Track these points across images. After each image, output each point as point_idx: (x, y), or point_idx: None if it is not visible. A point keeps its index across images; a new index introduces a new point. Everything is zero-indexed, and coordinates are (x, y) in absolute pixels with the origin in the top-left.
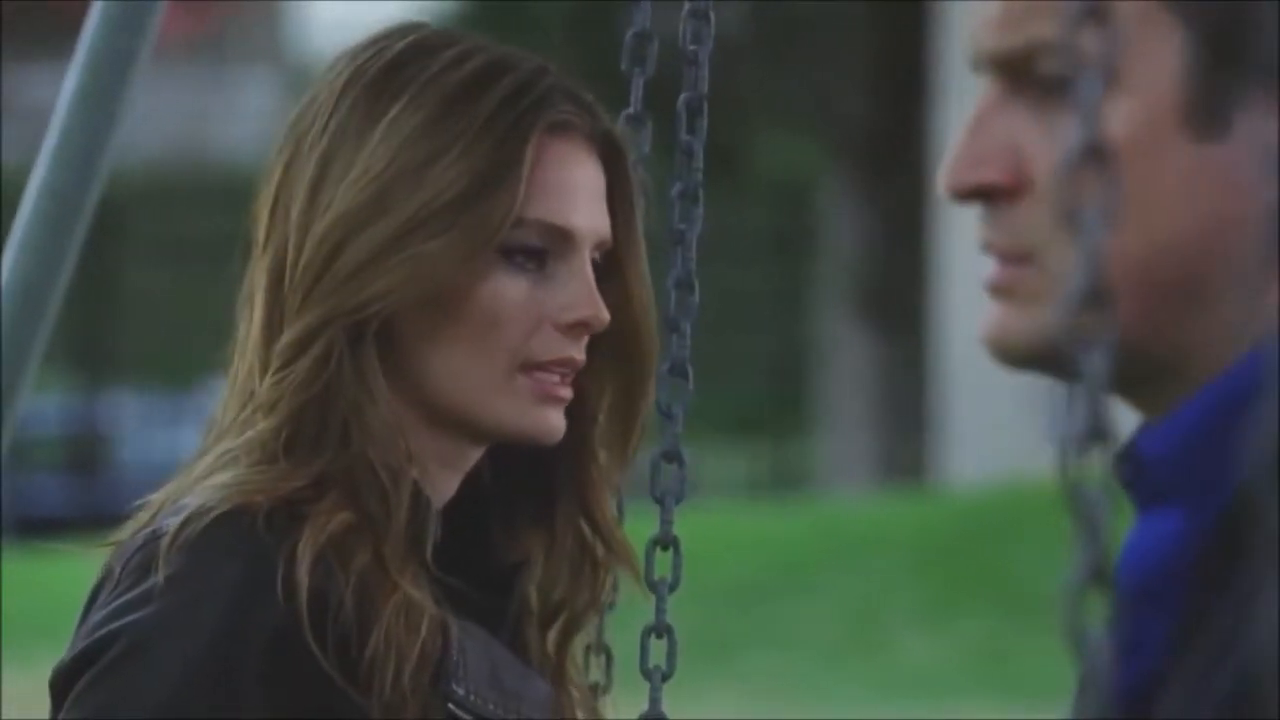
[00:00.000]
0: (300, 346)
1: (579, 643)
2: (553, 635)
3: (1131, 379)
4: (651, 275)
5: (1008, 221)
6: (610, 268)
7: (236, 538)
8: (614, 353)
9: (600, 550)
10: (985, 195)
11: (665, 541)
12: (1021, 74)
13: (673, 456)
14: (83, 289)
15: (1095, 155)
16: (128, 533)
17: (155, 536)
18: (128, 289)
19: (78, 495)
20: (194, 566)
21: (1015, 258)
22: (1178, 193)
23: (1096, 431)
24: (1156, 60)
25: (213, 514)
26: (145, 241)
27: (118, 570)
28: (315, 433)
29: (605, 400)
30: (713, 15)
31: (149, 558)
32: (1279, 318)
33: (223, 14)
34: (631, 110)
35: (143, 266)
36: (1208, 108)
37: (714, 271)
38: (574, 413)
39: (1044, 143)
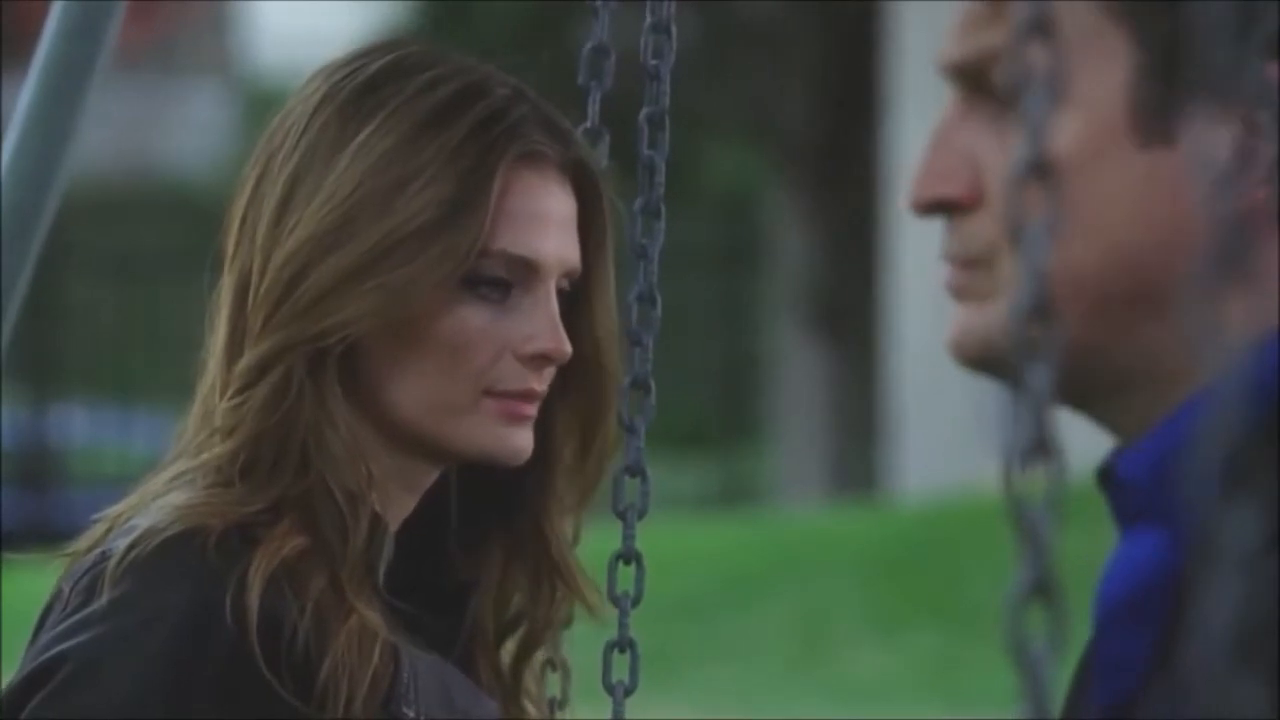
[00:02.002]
0: (259, 371)
1: (537, 659)
2: (509, 650)
3: (1095, 392)
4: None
5: (964, 232)
6: (579, 294)
7: (186, 560)
8: (576, 380)
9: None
10: (945, 209)
11: (628, 556)
12: (977, 84)
13: (635, 471)
14: (29, 302)
15: (1039, 171)
16: (84, 545)
17: (104, 557)
18: (74, 302)
19: (27, 509)
20: (142, 588)
21: (967, 263)
22: (1127, 200)
23: (1040, 445)
24: (1102, 71)
25: (163, 535)
26: (91, 254)
27: (67, 591)
28: (273, 458)
29: (572, 428)
30: (674, 29)
31: (97, 579)
32: (1244, 329)
33: (170, 24)
34: (589, 124)
35: (89, 279)
36: (1153, 115)
37: (661, 285)
38: (538, 442)
39: (998, 155)
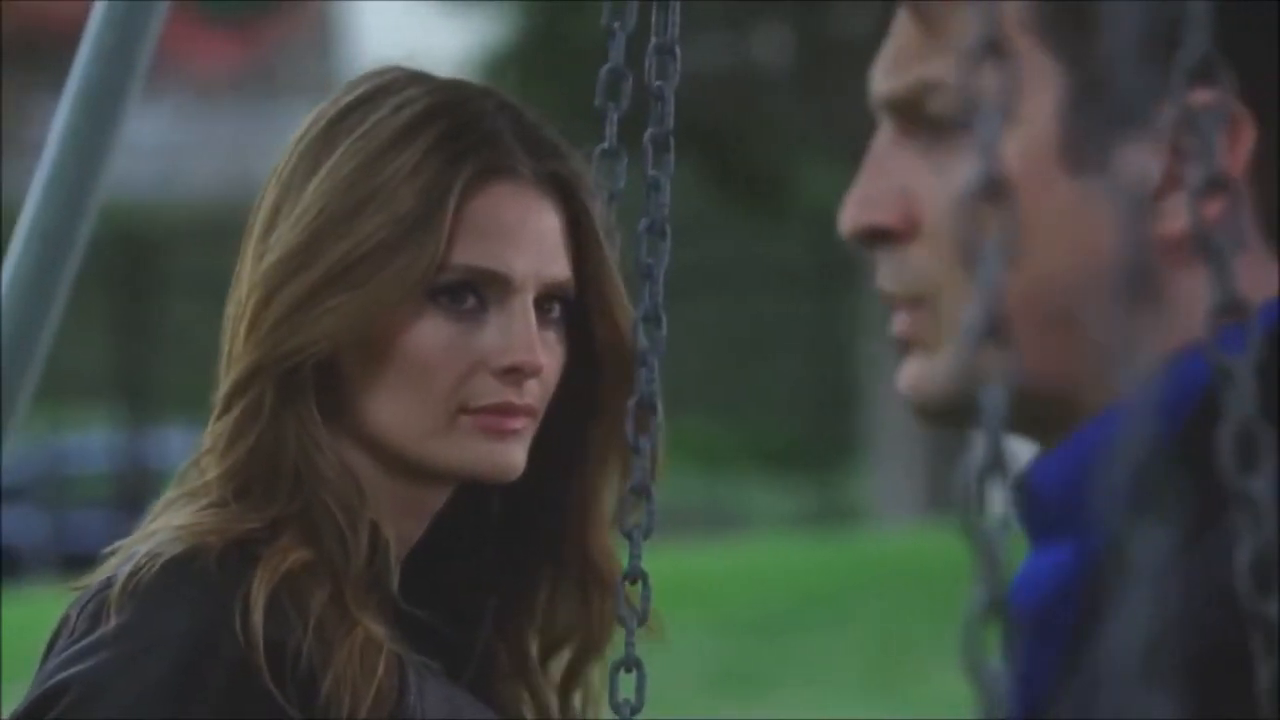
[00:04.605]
0: (235, 394)
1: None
2: (561, 667)
3: (1026, 416)
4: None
5: (898, 265)
6: (587, 307)
7: (188, 583)
8: (599, 394)
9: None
10: (877, 238)
11: (634, 576)
12: (912, 116)
13: (641, 491)
14: (128, 325)
15: (993, 191)
16: (99, 576)
17: (109, 584)
18: (174, 325)
19: (125, 531)
20: (145, 614)
21: (909, 303)
22: (1057, 227)
23: (994, 466)
24: (1036, 97)
25: (163, 559)
26: (192, 277)
27: (73, 617)
28: (266, 480)
29: (608, 441)
30: (679, 51)
31: (101, 605)
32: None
33: (272, 47)
34: (606, 145)
35: (189, 302)
36: (1085, 143)
37: (758, 302)
38: (576, 449)
39: (933, 184)
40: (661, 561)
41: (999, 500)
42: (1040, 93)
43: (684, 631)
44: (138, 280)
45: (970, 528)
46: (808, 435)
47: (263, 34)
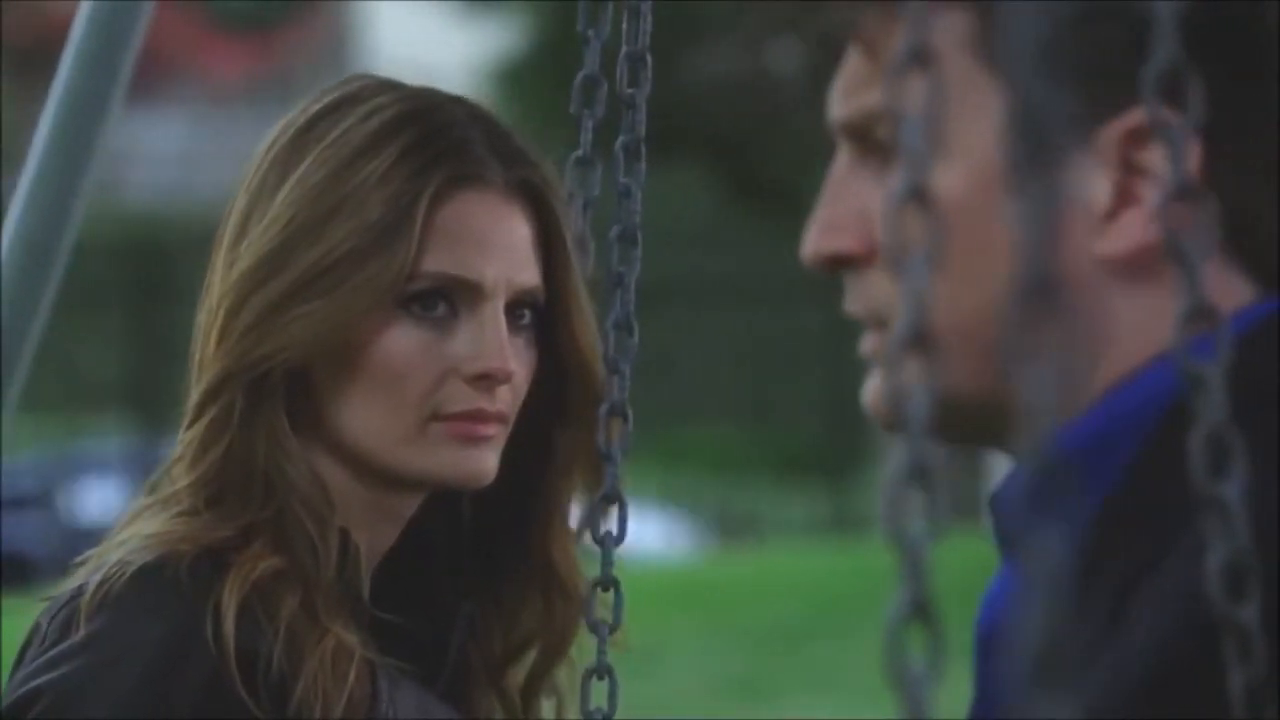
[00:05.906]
0: (205, 402)
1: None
2: (521, 673)
3: (990, 433)
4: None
5: (861, 287)
6: (555, 314)
7: (158, 591)
8: (567, 401)
9: (566, 594)
10: (839, 263)
11: (606, 583)
12: (864, 141)
13: (613, 499)
14: (143, 333)
15: (918, 199)
16: (70, 585)
17: (80, 592)
18: (189, 332)
19: None
20: (116, 622)
21: (872, 323)
22: (1004, 251)
23: (917, 470)
24: (979, 120)
25: (134, 567)
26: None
27: (44, 626)
28: (239, 489)
29: (576, 447)
30: (650, 59)
31: (73, 614)
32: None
33: (288, 56)
34: (580, 153)
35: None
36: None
37: (773, 310)
38: (543, 455)
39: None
40: (675, 568)
41: (921, 505)
42: (982, 115)
43: (697, 638)
44: (152, 288)
45: (893, 533)
46: (822, 443)
47: (277, 41)
